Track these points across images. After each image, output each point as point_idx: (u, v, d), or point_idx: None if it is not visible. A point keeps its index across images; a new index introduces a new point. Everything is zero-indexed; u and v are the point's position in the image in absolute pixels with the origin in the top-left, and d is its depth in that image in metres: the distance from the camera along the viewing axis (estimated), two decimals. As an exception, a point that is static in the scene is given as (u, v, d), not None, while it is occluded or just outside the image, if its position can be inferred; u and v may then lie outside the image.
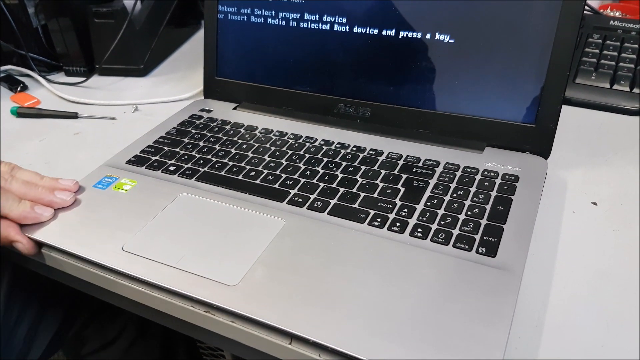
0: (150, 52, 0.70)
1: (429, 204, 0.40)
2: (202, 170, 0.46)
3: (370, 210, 0.40)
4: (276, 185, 0.43)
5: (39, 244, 0.40)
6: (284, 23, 0.52)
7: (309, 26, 0.51)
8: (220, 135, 0.51)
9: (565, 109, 0.44)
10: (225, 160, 0.47)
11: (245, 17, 0.54)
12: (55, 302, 0.59)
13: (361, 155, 0.46)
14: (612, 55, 0.58)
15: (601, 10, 0.70)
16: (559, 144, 0.44)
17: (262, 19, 0.53)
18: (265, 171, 0.45)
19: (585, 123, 0.54)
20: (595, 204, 0.43)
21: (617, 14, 0.69)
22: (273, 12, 0.53)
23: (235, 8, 0.55)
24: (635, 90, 0.55)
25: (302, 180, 0.43)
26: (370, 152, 0.47)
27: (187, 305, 0.34)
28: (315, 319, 0.31)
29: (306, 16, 0.51)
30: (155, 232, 0.39)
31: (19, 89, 0.66)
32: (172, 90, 0.65)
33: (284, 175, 0.44)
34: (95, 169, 0.46)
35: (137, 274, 0.35)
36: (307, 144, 0.48)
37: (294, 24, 0.52)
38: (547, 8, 0.42)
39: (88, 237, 0.39)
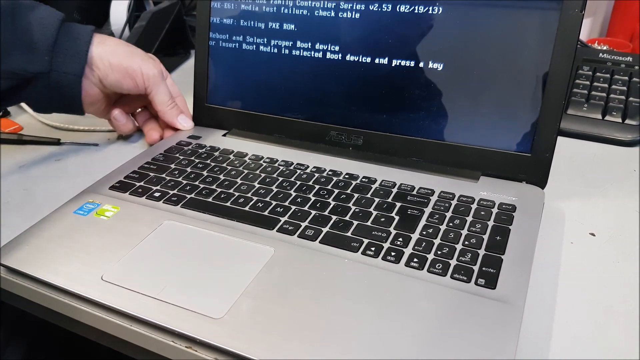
0: (139, 80, 0.69)
1: (424, 233, 0.39)
2: (188, 196, 0.44)
3: (364, 239, 0.38)
4: (266, 213, 0.41)
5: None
6: (276, 50, 0.52)
7: (301, 54, 0.51)
8: (208, 161, 0.49)
9: (558, 140, 0.43)
10: (213, 187, 0.45)
11: (237, 44, 0.54)
12: (21, 332, 0.55)
13: (354, 182, 0.45)
14: (602, 87, 0.58)
15: (589, 44, 0.71)
16: (553, 174, 0.44)
17: (254, 46, 0.53)
18: (255, 198, 0.43)
19: (579, 154, 0.54)
20: (593, 234, 0.42)
21: (605, 47, 0.70)
22: (265, 39, 0.52)
23: (227, 35, 0.54)
24: (628, 121, 0.55)
25: (293, 207, 0.42)
26: (363, 179, 0.45)
27: (167, 340, 0.32)
28: (305, 355, 0.29)
29: (298, 44, 0.51)
30: (137, 261, 0.37)
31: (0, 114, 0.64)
32: (159, 117, 0.64)
33: (274, 202, 0.42)
34: (76, 195, 0.44)
35: (115, 305, 0.33)
36: (299, 171, 0.47)
37: (286, 51, 0.51)
38: (542, 38, 0.42)
39: (65, 265, 0.36)
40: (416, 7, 0.45)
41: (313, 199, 0.43)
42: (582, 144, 0.56)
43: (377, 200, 0.43)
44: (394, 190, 0.44)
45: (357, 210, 0.41)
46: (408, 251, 0.37)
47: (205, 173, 0.47)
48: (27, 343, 0.56)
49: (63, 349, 0.61)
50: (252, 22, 0.52)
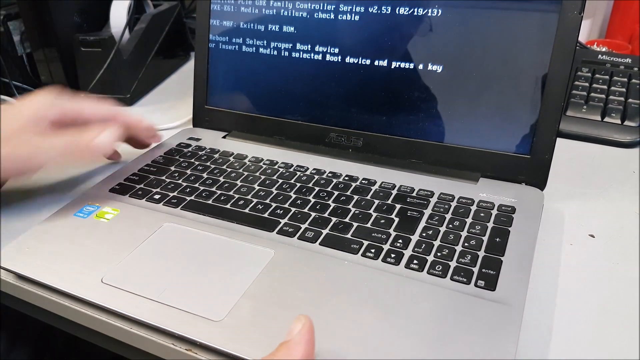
0: (137, 82, 0.69)
1: (424, 234, 0.39)
2: (188, 199, 0.44)
3: (364, 241, 0.38)
4: (266, 215, 0.41)
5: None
6: (275, 53, 0.52)
7: (301, 56, 0.51)
8: (208, 163, 0.49)
9: (557, 141, 0.43)
10: (213, 189, 0.45)
11: (237, 46, 0.54)
12: (25, 335, 0.55)
13: (354, 184, 0.45)
14: (602, 88, 0.58)
15: (588, 46, 0.71)
16: (552, 175, 0.44)
17: (254, 48, 0.53)
18: (255, 200, 0.43)
19: (578, 155, 0.54)
20: (592, 236, 0.42)
21: (604, 49, 0.70)
22: (265, 41, 0.52)
23: (227, 37, 0.54)
24: (627, 122, 0.55)
25: (293, 209, 0.42)
26: (363, 181, 0.45)
27: (167, 343, 0.32)
28: (306, 356, 0.29)
29: (298, 46, 0.51)
30: (137, 264, 0.37)
31: None
32: (159, 119, 0.64)
33: (273, 204, 0.42)
34: (76, 198, 0.44)
35: (115, 308, 0.33)
36: (298, 173, 0.47)
37: (286, 53, 0.51)
38: (541, 40, 0.42)
39: (65, 268, 0.36)
40: (415, 10, 0.45)
41: (313, 200, 0.43)
42: (581, 146, 0.56)
43: (376, 202, 0.43)
44: (394, 192, 0.44)
45: (357, 212, 0.41)
46: (408, 253, 0.37)
47: (205, 175, 0.47)
48: (31, 347, 0.56)
49: (67, 352, 0.61)
50: (252, 25, 0.53)
